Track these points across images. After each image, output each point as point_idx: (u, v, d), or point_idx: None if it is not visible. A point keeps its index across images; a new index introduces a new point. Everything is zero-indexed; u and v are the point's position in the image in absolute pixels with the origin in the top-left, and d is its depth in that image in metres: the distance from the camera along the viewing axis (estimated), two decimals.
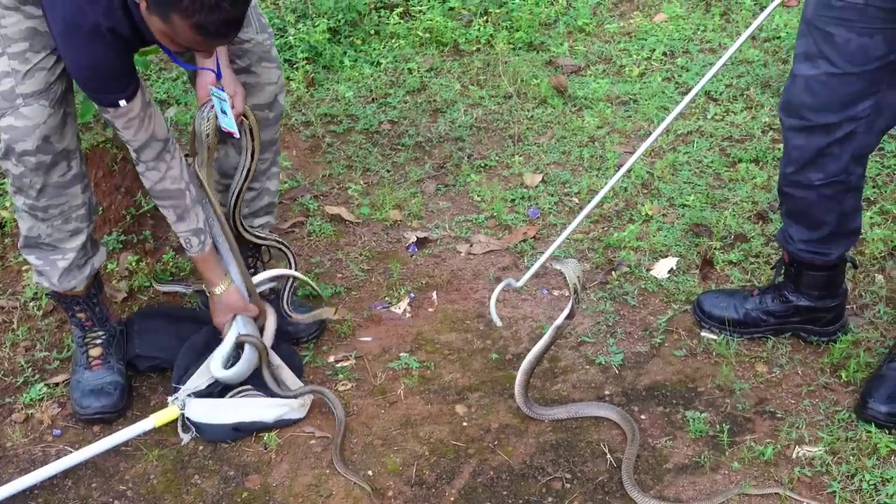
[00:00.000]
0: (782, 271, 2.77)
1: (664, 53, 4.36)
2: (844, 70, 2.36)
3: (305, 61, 4.27)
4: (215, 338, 2.64)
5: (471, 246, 3.24)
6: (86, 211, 2.54)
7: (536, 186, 3.51)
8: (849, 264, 2.74)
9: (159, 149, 2.39)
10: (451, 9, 4.72)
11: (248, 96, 2.58)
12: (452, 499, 2.35)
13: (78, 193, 2.49)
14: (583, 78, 4.22)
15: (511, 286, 2.62)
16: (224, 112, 2.50)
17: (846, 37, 2.33)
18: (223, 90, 2.48)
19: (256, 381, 2.61)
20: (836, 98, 2.40)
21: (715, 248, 3.13)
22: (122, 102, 2.28)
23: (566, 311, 2.47)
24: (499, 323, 2.59)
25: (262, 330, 2.67)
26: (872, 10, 2.27)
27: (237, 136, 2.55)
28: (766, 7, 2.64)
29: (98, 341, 2.68)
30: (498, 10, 4.69)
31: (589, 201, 3.35)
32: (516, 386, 2.53)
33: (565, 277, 2.45)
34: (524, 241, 3.23)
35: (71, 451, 2.49)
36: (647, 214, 3.32)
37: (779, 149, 3.49)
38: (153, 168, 2.41)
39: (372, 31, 4.59)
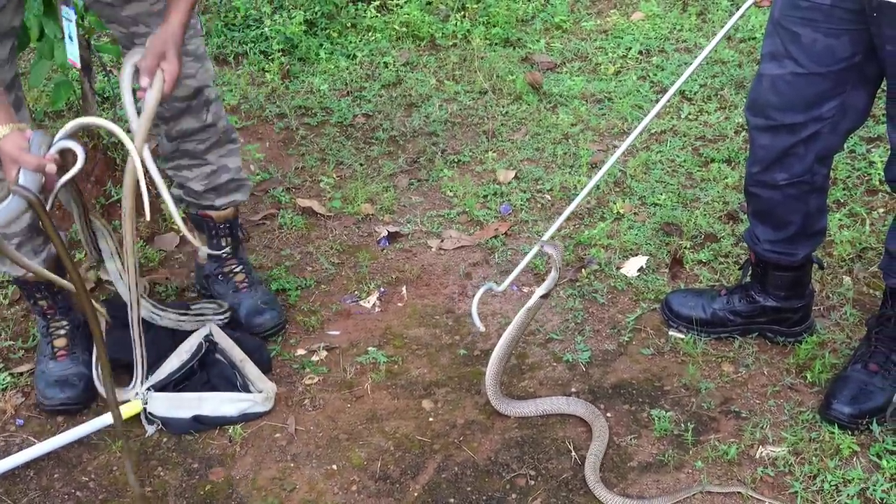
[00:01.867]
0: (749, 272, 2.78)
1: (640, 52, 4.37)
2: (810, 70, 2.37)
3: (281, 53, 4.25)
4: (175, 336, 2.64)
5: (442, 241, 3.24)
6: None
7: (509, 183, 3.51)
8: (815, 265, 2.75)
9: None
10: (429, 3, 4.72)
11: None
12: (416, 494, 2.34)
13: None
14: (558, 75, 4.23)
15: (492, 290, 2.63)
16: (70, 38, 2.38)
17: (812, 37, 2.33)
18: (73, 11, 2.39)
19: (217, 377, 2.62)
20: (802, 98, 2.41)
21: (685, 248, 3.14)
22: None
23: (541, 290, 2.46)
24: (481, 328, 2.59)
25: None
26: (839, 11, 2.27)
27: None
28: (741, 6, 2.65)
29: (62, 331, 2.66)
30: (475, 6, 4.69)
31: (561, 198, 3.38)
32: (488, 375, 2.52)
33: (553, 258, 2.45)
34: (495, 237, 3.23)
35: (34, 442, 2.47)
36: (618, 213, 3.32)
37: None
38: None
39: (348, 24, 4.59)
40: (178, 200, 2.82)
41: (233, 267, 2.86)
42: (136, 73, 2.23)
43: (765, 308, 2.74)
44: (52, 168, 1.97)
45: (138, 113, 2.23)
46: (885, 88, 2.34)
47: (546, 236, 2.66)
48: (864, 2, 2.20)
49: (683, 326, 2.81)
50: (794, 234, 2.62)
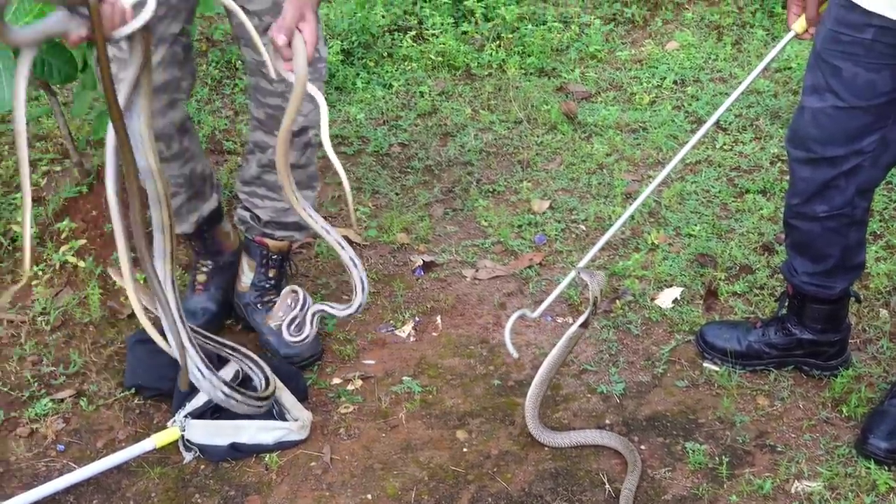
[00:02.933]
0: (786, 304, 2.77)
1: (675, 82, 4.38)
2: (851, 104, 2.38)
3: None
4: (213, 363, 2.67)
5: (477, 271, 3.25)
6: (184, 180, 2.75)
7: (544, 213, 3.53)
8: (852, 299, 2.75)
9: None
10: (464, 33, 4.75)
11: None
12: None
13: (175, 170, 2.68)
14: (593, 105, 4.25)
15: (526, 317, 2.65)
16: None
17: (854, 71, 2.34)
18: None
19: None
20: (843, 131, 2.42)
21: (720, 279, 3.14)
22: None
23: (581, 320, 2.48)
24: (515, 355, 2.61)
25: None
26: (880, 45, 2.28)
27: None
28: (778, 37, 2.67)
29: (204, 269, 2.94)
30: (510, 36, 4.72)
31: (596, 228, 3.39)
32: (528, 401, 2.54)
33: (588, 287, 2.46)
34: (530, 267, 3.25)
35: (74, 468, 2.50)
36: (652, 243, 3.33)
37: (787, 180, 3.49)
38: None
39: (385, 54, 4.63)
40: (239, 222, 2.92)
41: (272, 297, 2.89)
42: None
43: (801, 341, 2.74)
44: (125, 7, 1.88)
45: None
46: None
47: (581, 264, 2.68)
48: None
49: (718, 358, 2.81)
50: (832, 267, 2.61)
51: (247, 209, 2.87)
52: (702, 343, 2.85)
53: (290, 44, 2.13)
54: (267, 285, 2.91)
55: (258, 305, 2.90)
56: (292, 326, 2.52)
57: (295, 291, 2.56)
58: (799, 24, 2.54)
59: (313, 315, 2.52)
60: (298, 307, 2.52)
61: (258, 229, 2.87)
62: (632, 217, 3.44)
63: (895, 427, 2.49)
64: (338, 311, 2.49)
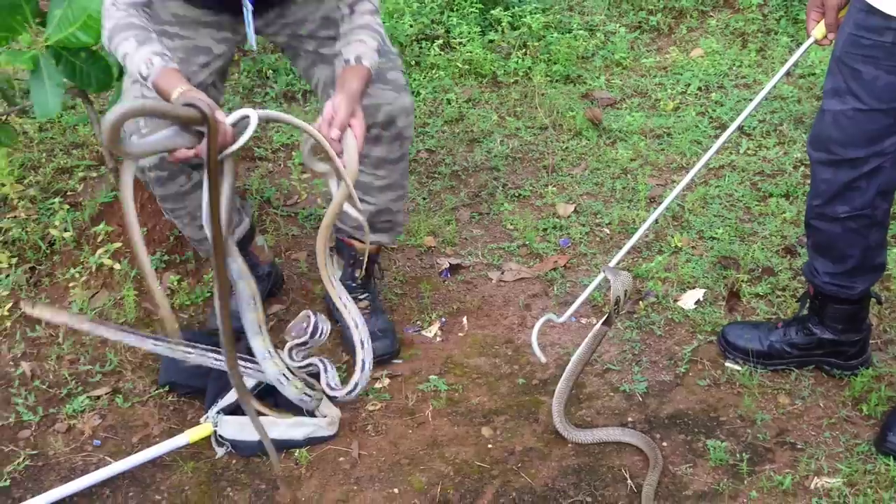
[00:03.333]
0: (807, 304, 2.81)
1: (699, 88, 4.42)
2: (872, 106, 2.41)
3: None
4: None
5: (502, 273, 3.31)
6: None
7: (569, 216, 3.58)
8: (873, 300, 2.78)
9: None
10: (491, 41, 4.82)
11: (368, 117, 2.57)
12: None
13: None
14: (618, 111, 4.30)
15: (553, 321, 2.70)
16: (248, 25, 2.46)
17: (874, 74, 2.38)
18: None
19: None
20: (863, 133, 2.45)
21: (742, 281, 3.17)
22: None
23: (604, 318, 2.54)
24: (543, 359, 2.66)
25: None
26: None
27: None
28: (802, 43, 2.71)
29: None
30: (536, 44, 4.78)
31: (620, 232, 3.44)
32: (555, 396, 2.59)
33: (611, 284, 2.51)
34: (554, 269, 3.30)
35: (110, 462, 2.58)
36: (676, 246, 3.37)
37: (809, 184, 3.54)
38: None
39: (413, 62, 4.70)
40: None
41: (358, 294, 2.95)
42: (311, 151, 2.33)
43: (822, 341, 2.77)
44: (229, 129, 2.07)
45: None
46: None
47: (612, 263, 2.73)
48: None
49: (740, 358, 2.85)
50: (853, 267, 2.65)
51: None
52: (724, 343, 2.89)
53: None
54: (353, 284, 2.97)
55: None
56: (296, 351, 2.51)
57: (309, 316, 2.51)
58: (818, 31, 2.58)
59: (313, 363, 2.54)
60: (308, 334, 2.49)
61: (347, 231, 2.93)
62: (656, 221, 3.49)
63: None
64: (330, 387, 2.50)
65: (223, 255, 2.12)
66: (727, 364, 2.86)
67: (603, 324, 2.55)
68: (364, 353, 2.41)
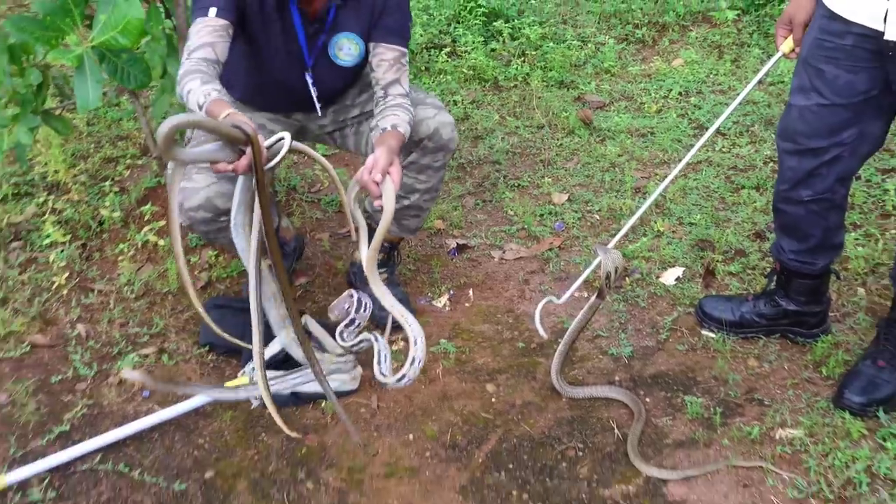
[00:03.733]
0: (774, 280, 2.92)
1: (679, 93, 4.53)
2: (833, 102, 2.51)
3: None
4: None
5: (503, 252, 3.42)
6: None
7: (563, 204, 3.69)
8: (832, 275, 2.89)
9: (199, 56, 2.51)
10: (493, 50, 4.93)
11: (414, 132, 2.74)
12: (480, 460, 2.52)
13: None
14: (607, 113, 4.41)
15: (553, 302, 2.80)
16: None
17: (835, 73, 2.48)
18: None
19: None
20: (826, 126, 2.55)
21: (717, 261, 3.28)
22: (213, 11, 2.51)
23: (597, 292, 2.63)
24: (544, 335, 2.76)
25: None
26: (859, 51, 2.42)
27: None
28: (772, 54, 2.81)
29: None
30: (534, 52, 4.89)
31: (608, 218, 3.55)
32: (555, 357, 2.70)
33: (601, 261, 2.59)
34: (550, 249, 3.41)
35: (158, 410, 2.68)
36: (659, 230, 3.48)
37: (777, 174, 3.65)
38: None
39: (423, 68, 4.81)
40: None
41: (379, 268, 3.07)
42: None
43: (787, 311, 2.88)
44: (264, 150, 2.15)
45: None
46: None
47: (611, 244, 2.83)
48: (882, 43, 2.35)
49: (714, 327, 2.95)
50: (814, 245, 2.76)
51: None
52: (700, 314, 3.00)
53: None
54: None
55: (364, 275, 3.08)
56: (350, 328, 2.51)
57: (352, 295, 2.53)
58: (786, 45, 2.68)
59: (366, 338, 2.50)
60: (354, 310, 2.51)
61: (376, 219, 3.03)
62: (639, 208, 3.61)
63: (867, 384, 2.62)
64: (381, 374, 2.37)
65: (276, 250, 2.22)
66: (703, 332, 2.97)
67: (597, 297, 2.65)
68: (416, 350, 2.35)
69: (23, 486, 2.45)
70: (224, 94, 2.38)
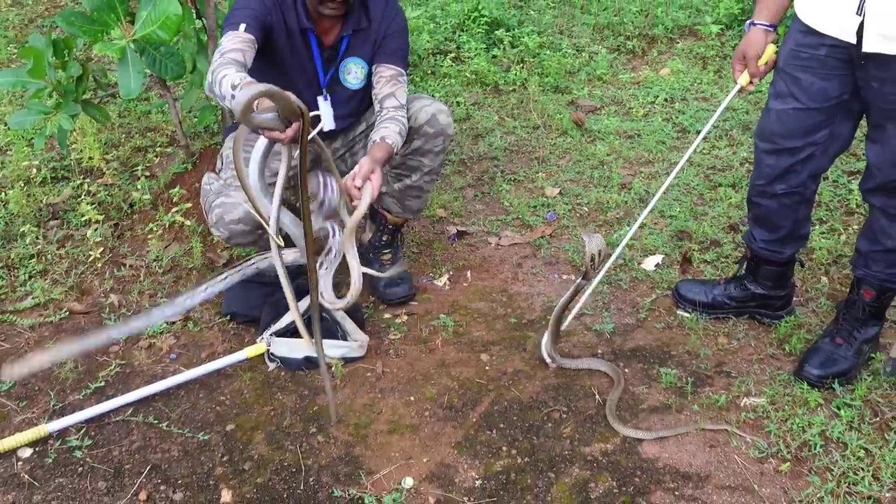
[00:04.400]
0: (744, 266, 3.06)
1: (665, 99, 4.68)
2: (808, 106, 2.63)
3: None
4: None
5: (499, 239, 3.57)
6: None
7: (555, 197, 3.84)
8: (798, 264, 3.03)
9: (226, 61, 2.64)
10: (494, 57, 5.07)
11: (415, 121, 2.91)
12: (474, 420, 2.66)
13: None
14: (598, 116, 4.55)
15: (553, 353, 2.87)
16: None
17: (811, 80, 2.60)
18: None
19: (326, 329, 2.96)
20: (801, 127, 2.67)
21: (693, 250, 3.43)
22: (242, 27, 2.69)
23: (583, 274, 2.73)
24: (553, 364, 2.86)
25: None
26: (832, 60, 2.54)
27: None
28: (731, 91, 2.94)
29: None
30: (532, 60, 5.04)
31: (596, 210, 3.69)
32: (548, 332, 2.82)
33: (585, 245, 2.69)
34: (542, 237, 3.56)
35: (183, 371, 2.83)
36: (641, 223, 3.62)
37: (752, 169, 3.79)
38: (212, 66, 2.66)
39: (429, 72, 4.95)
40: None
41: (383, 249, 3.26)
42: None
43: (755, 295, 3.02)
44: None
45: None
46: (867, 118, 2.62)
47: (618, 249, 2.97)
48: (853, 53, 2.48)
49: (689, 307, 3.10)
50: (784, 235, 2.90)
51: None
52: (676, 295, 3.14)
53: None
54: (378, 244, 3.28)
55: (370, 255, 3.26)
56: (321, 209, 2.60)
57: (317, 174, 2.60)
58: (743, 78, 2.80)
59: (324, 227, 2.59)
60: (322, 191, 2.59)
61: (382, 203, 3.20)
62: (625, 202, 3.76)
63: (825, 360, 2.77)
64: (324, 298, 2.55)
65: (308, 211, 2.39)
66: (679, 312, 3.11)
67: (582, 278, 2.78)
68: (355, 278, 2.51)
69: (62, 434, 2.60)
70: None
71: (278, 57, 2.88)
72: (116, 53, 3.07)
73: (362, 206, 2.52)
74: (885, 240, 2.68)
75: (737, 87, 2.83)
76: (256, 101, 2.32)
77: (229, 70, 2.53)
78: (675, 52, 5.27)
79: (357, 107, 3.07)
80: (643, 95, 4.74)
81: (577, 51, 5.24)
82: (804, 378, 2.75)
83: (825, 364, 2.76)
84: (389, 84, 2.89)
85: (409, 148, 2.97)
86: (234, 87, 2.49)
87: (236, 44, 2.67)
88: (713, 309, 3.08)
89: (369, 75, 2.98)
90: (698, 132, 4.30)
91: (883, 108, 2.50)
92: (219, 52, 2.66)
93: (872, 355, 2.83)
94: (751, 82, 2.79)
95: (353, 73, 2.97)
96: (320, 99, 2.96)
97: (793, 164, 2.74)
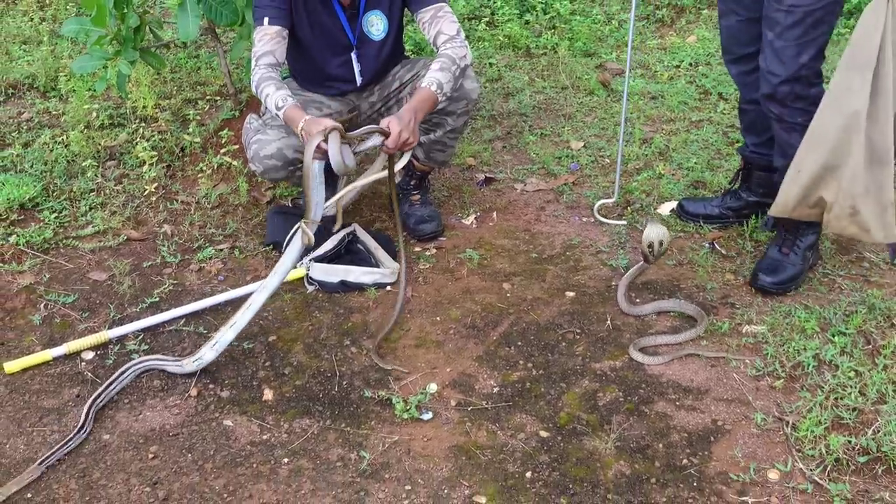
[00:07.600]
0: (738, 179, 3.35)
1: (690, 64, 4.86)
2: (747, 17, 3.01)
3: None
4: (330, 231, 3.20)
5: (525, 185, 3.79)
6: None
7: (579, 150, 4.05)
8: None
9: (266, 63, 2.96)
10: (527, 22, 5.28)
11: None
12: (494, 338, 2.90)
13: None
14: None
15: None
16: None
17: None
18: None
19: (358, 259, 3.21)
20: (746, 37, 3.05)
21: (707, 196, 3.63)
22: (266, 20, 2.96)
23: (644, 257, 2.92)
24: (625, 308, 3.01)
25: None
26: None
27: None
28: None
29: None
30: (563, 26, 5.24)
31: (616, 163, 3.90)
32: (620, 289, 3.00)
33: (644, 234, 2.87)
34: (565, 184, 3.78)
35: (230, 290, 3.09)
36: (660, 172, 3.83)
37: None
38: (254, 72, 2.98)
39: (465, 35, 5.17)
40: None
41: (412, 190, 3.50)
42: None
43: (749, 203, 3.33)
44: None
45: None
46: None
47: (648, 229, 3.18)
48: None
49: (692, 220, 3.39)
50: (769, 138, 3.16)
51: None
52: (680, 210, 3.43)
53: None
54: (406, 188, 3.51)
55: (400, 196, 3.49)
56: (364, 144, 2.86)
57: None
58: None
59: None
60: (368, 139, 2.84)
61: (414, 152, 3.41)
62: (646, 154, 3.97)
63: (776, 268, 3.04)
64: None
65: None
66: (680, 219, 3.43)
67: (644, 261, 2.95)
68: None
69: (121, 339, 2.87)
70: (294, 99, 2.85)
71: (305, 25, 3.10)
72: (176, 0, 3.34)
73: (401, 163, 2.88)
74: (789, 150, 2.88)
75: None
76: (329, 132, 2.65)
77: (270, 87, 2.87)
78: (702, 21, 5.44)
79: (386, 58, 3.26)
80: (669, 60, 4.93)
81: (608, 18, 5.43)
82: (759, 287, 3.01)
83: (776, 271, 3.02)
84: (433, 24, 3.08)
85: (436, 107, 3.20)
86: (278, 109, 2.83)
87: (265, 45, 2.97)
88: (713, 220, 3.38)
89: (390, 27, 3.19)
90: (720, 94, 4.49)
91: (766, 15, 2.82)
92: (253, 56, 2.97)
93: (814, 263, 3.12)
94: None
95: (375, 24, 3.19)
96: (353, 56, 3.19)
97: (754, 68, 3.03)
